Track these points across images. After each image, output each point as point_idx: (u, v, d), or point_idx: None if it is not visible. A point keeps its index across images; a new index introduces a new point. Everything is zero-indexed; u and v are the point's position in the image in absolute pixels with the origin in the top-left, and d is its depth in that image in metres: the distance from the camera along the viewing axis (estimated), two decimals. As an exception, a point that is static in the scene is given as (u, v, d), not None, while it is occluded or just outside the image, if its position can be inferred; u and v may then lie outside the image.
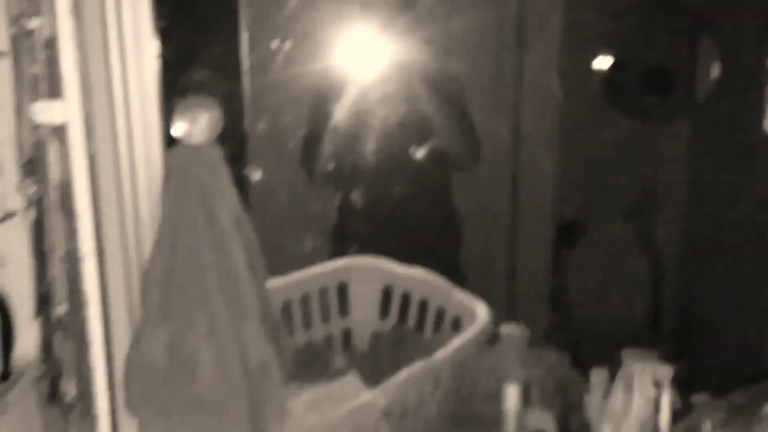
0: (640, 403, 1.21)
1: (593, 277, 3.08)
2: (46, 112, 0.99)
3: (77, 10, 0.96)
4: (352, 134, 2.31)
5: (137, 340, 1.10)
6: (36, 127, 1.01)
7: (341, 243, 2.41)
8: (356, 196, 2.36)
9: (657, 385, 1.22)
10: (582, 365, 1.68)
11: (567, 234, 3.09)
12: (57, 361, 1.08)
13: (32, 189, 1.05)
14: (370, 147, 2.30)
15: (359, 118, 2.29)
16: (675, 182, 3.15)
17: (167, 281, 1.07)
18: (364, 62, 2.34)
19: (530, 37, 2.79)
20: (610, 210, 3.14)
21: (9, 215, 1.09)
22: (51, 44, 0.97)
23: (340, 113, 2.25)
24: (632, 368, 1.23)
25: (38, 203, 1.05)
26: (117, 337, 1.08)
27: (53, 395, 1.06)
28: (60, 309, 1.05)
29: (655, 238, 3.17)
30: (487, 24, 2.77)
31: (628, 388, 1.26)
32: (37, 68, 1.00)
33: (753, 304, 2.75)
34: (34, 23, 0.98)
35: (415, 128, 2.31)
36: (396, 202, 2.39)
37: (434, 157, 2.35)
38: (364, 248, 2.00)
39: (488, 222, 2.95)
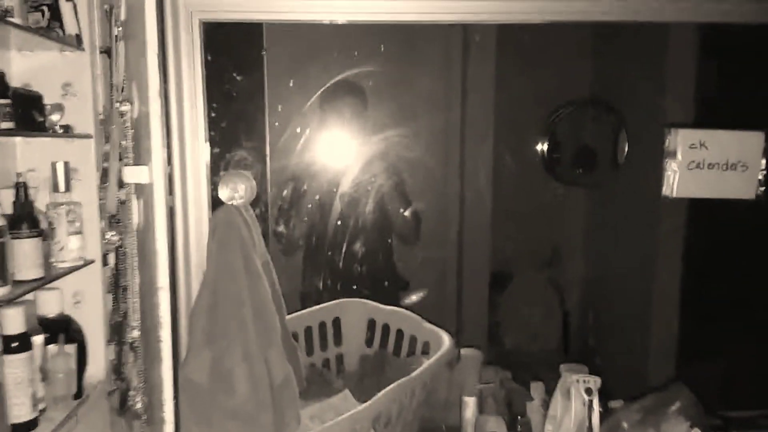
0: (577, 407, 1.16)
1: (518, 313, 3.08)
2: (132, 175, 0.94)
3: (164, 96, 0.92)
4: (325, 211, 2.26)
5: (185, 362, 1.02)
6: (120, 188, 0.96)
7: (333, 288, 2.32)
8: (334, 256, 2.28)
9: (588, 392, 1.18)
10: (515, 381, 1.64)
11: (498, 281, 3.09)
12: (126, 378, 0.99)
13: (116, 237, 0.98)
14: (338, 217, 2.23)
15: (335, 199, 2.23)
16: (576, 245, 3.21)
17: (211, 313, 1.00)
18: (333, 158, 2.28)
19: (469, 141, 2.85)
20: (529, 264, 3.16)
21: (88, 263, 1.02)
22: (137, 123, 0.93)
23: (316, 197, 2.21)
24: (570, 379, 1.19)
25: (118, 249, 0.98)
26: (183, 355, 1.00)
27: (123, 407, 0.96)
28: (133, 335, 0.97)
29: (561, 285, 3.19)
30: (437, 128, 2.81)
31: (566, 395, 1.22)
32: (127, 142, 0.95)
33: (636, 337, 2.76)
34: (125, 107, 0.94)
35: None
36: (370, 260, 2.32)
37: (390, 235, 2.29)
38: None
39: (439, 273, 2.93)
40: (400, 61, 2.65)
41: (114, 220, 0.99)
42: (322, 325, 1.72)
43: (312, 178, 2.22)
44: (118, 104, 0.94)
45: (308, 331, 1.68)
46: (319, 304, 2.00)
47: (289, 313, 1.65)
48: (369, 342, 1.76)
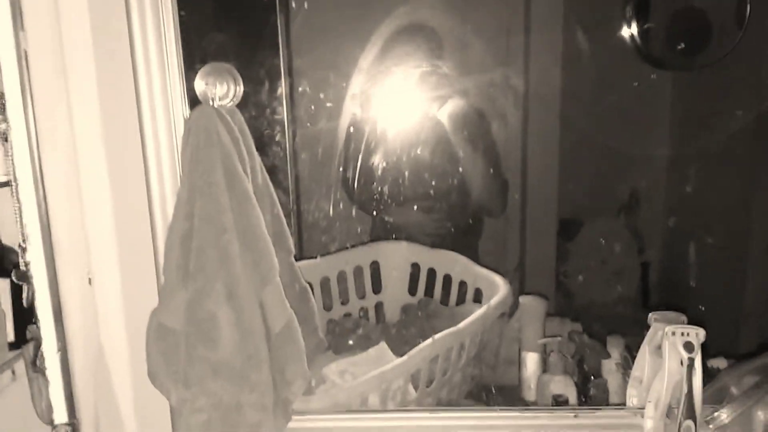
0: (672, 366, 0.87)
1: (589, 264, 2.74)
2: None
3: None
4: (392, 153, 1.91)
5: (159, 304, 0.81)
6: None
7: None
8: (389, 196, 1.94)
9: (688, 348, 0.88)
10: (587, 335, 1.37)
11: (567, 229, 2.76)
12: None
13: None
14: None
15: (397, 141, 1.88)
16: (656, 183, 2.79)
17: (186, 243, 0.78)
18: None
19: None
20: (603, 208, 2.80)
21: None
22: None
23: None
24: (662, 331, 0.89)
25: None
26: (66, 288, 0.75)
27: (35, 360, 0.76)
28: (26, 258, 0.74)
29: (640, 230, 2.81)
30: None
31: (656, 352, 0.93)
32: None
33: (723, 288, 2.35)
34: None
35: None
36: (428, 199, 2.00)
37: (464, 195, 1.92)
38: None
39: (502, 221, 2.61)
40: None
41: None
42: (358, 270, 1.51)
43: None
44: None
45: (342, 275, 1.47)
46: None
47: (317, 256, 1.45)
48: (413, 289, 1.53)
